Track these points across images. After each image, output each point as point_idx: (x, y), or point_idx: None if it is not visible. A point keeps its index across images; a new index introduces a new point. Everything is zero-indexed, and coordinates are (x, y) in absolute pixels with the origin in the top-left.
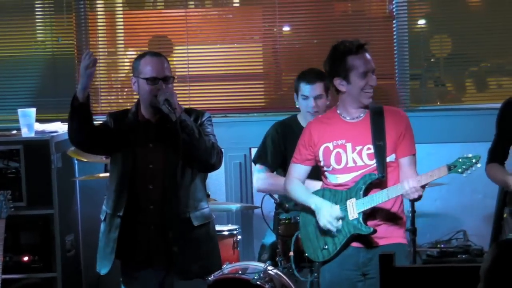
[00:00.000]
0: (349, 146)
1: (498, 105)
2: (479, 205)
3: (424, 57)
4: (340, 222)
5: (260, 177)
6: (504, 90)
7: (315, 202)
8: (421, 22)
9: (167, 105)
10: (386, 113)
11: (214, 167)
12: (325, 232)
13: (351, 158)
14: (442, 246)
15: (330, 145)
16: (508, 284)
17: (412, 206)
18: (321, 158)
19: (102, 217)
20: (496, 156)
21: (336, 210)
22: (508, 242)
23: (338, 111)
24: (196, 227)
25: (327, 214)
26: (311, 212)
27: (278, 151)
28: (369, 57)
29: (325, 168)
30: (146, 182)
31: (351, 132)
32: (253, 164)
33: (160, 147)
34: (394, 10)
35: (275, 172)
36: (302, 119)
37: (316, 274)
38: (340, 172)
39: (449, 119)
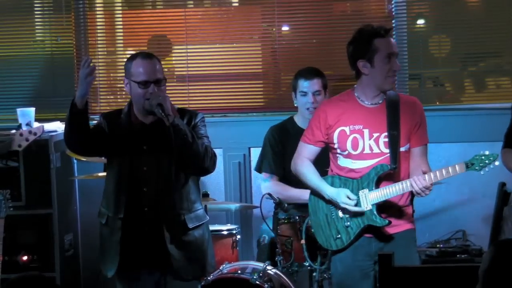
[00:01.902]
0: (366, 132)
1: (497, 105)
2: (478, 205)
3: (423, 57)
4: (359, 210)
5: (267, 186)
6: (502, 90)
7: (327, 193)
8: (420, 22)
9: (160, 110)
10: (402, 102)
11: (207, 171)
12: (337, 221)
13: (367, 144)
14: (441, 246)
15: (347, 129)
16: (506, 285)
17: (411, 206)
18: (335, 141)
19: (103, 221)
20: (511, 141)
21: (351, 199)
22: (507, 242)
23: (356, 94)
24: (191, 229)
25: (347, 206)
26: (321, 198)
27: (278, 155)
28: (393, 41)
29: (339, 151)
30: (140, 184)
31: (368, 118)
32: (257, 172)
33: (153, 149)
34: (393, 10)
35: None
36: (299, 119)
37: (318, 264)
38: (356, 158)
39: (447, 119)
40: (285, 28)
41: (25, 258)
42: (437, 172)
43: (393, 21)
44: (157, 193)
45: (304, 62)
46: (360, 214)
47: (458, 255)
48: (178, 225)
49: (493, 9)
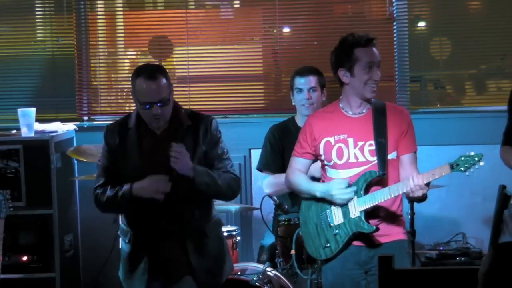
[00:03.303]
0: (351, 141)
1: (498, 108)
2: (478, 207)
3: (424, 59)
4: (351, 190)
5: (267, 181)
6: (503, 92)
7: (318, 189)
8: (421, 24)
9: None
10: (388, 111)
11: (234, 197)
12: (327, 230)
13: (352, 153)
14: (441, 248)
15: (332, 140)
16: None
17: (411, 208)
18: (321, 152)
19: (126, 239)
20: (509, 139)
21: (341, 182)
22: (507, 245)
23: (340, 105)
24: (210, 238)
25: (338, 190)
26: (311, 209)
27: (278, 154)
28: (375, 51)
29: (325, 162)
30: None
31: (353, 127)
32: (257, 171)
33: (168, 160)
34: (394, 12)
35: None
36: (299, 119)
37: (316, 273)
38: (342, 167)
39: (448, 121)
40: (286, 29)
41: (25, 258)
42: (424, 174)
43: (394, 24)
44: (176, 203)
45: (304, 64)
46: (344, 224)
47: (458, 258)
48: (198, 236)
49: (494, 11)
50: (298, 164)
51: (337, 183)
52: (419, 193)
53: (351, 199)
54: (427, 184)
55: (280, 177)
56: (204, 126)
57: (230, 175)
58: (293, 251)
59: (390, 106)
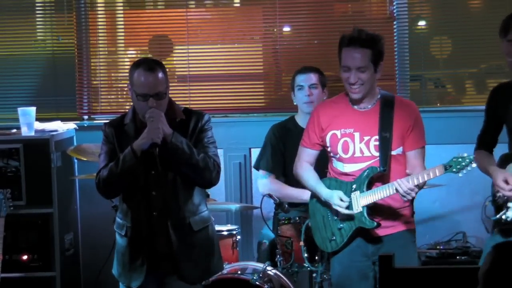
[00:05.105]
0: (357, 135)
1: None
2: (478, 206)
3: (424, 58)
4: (349, 212)
5: (264, 183)
6: None
7: (323, 194)
8: (422, 23)
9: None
10: (396, 105)
11: (210, 184)
12: (332, 223)
13: (358, 148)
14: (441, 247)
15: (338, 133)
16: (506, 287)
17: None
18: (328, 144)
19: (122, 233)
20: (483, 143)
21: (343, 201)
22: (507, 245)
23: (348, 98)
24: (197, 232)
25: (338, 208)
26: (319, 201)
27: (278, 153)
28: (357, 53)
29: (332, 154)
30: (149, 188)
31: (360, 121)
32: (255, 169)
33: (162, 152)
34: (394, 11)
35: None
36: (300, 119)
37: (318, 275)
38: (347, 161)
39: (449, 120)
40: (286, 28)
41: (25, 257)
42: (419, 174)
43: (395, 23)
44: (164, 196)
45: (305, 63)
46: (351, 217)
47: (458, 257)
48: (183, 229)
49: (494, 10)
50: (306, 155)
51: (338, 198)
52: (412, 195)
53: (353, 214)
54: (418, 186)
55: (278, 185)
56: (195, 119)
57: (211, 159)
58: (302, 243)
59: (398, 100)
